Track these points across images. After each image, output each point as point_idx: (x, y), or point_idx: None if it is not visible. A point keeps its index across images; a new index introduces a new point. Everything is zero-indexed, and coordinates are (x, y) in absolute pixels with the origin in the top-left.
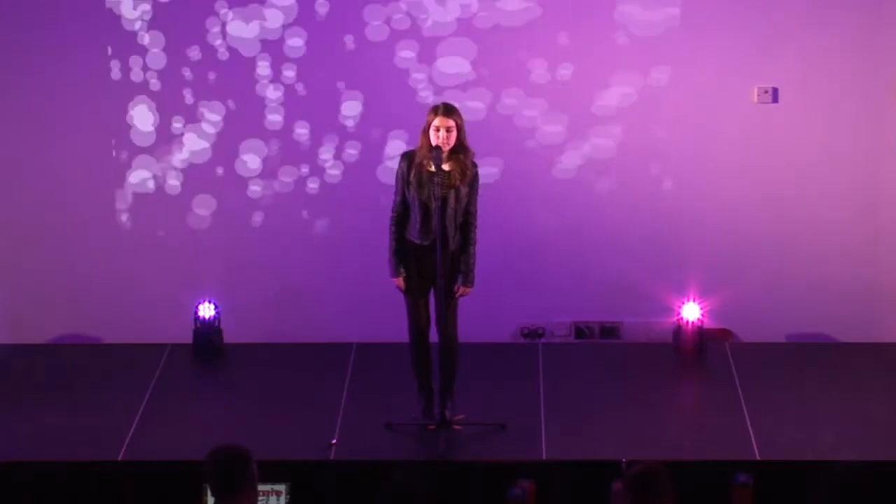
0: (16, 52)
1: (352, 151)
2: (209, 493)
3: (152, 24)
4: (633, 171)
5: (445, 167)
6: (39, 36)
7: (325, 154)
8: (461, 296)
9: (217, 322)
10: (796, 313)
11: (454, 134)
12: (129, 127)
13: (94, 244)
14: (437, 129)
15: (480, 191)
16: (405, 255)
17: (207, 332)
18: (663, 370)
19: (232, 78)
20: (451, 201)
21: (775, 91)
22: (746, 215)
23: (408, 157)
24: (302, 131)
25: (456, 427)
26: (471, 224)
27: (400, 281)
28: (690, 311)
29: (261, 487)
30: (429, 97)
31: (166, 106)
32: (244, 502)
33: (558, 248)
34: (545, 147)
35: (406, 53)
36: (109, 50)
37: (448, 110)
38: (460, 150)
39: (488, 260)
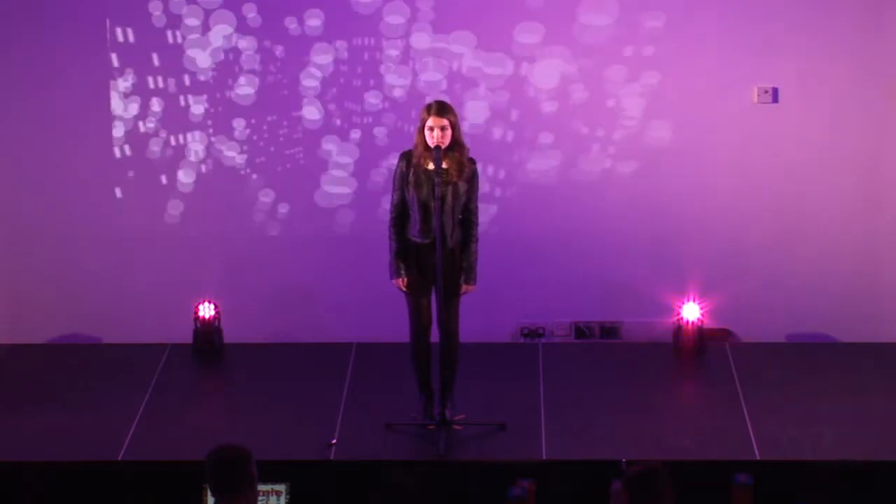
0: (16, 52)
1: (353, 151)
2: (209, 493)
3: (153, 26)
4: (632, 171)
5: (444, 165)
6: (39, 37)
7: (325, 154)
8: (464, 294)
9: (217, 322)
10: (796, 313)
11: (449, 132)
12: (129, 127)
13: (93, 244)
14: (432, 129)
15: (480, 189)
16: (406, 254)
17: (207, 332)
18: (663, 370)
19: (233, 77)
20: (449, 198)
21: (775, 91)
22: (746, 215)
23: (406, 156)
24: (303, 132)
25: (456, 427)
26: (472, 222)
27: (401, 282)
28: (690, 311)
29: (261, 487)
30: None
31: (166, 106)
32: (244, 502)
33: (558, 248)
34: (545, 147)
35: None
36: (110, 49)
37: (441, 109)
38: (455, 146)
39: (488, 260)
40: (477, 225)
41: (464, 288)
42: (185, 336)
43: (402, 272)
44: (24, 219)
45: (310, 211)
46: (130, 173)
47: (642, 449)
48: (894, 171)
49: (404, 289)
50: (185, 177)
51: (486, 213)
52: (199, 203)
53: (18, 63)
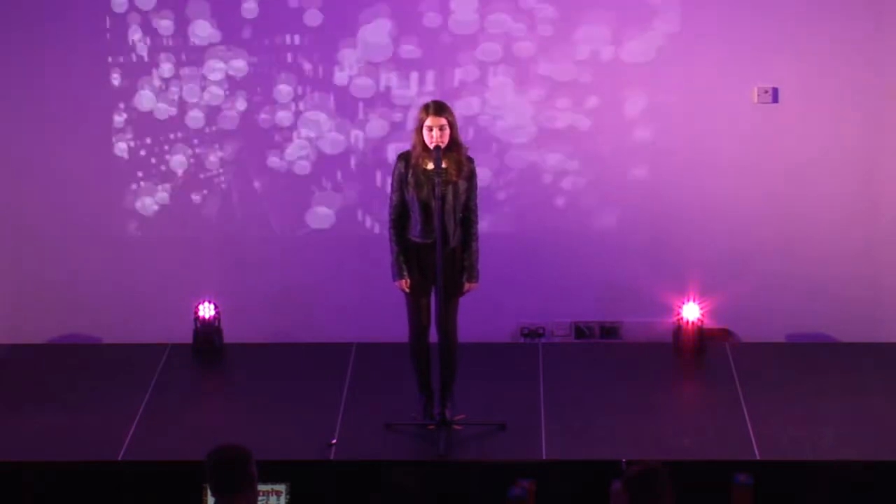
0: (16, 52)
1: (351, 152)
2: (209, 493)
3: (152, 25)
4: (633, 170)
5: (443, 164)
6: (39, 36)
7: (325, 154)
8: (467, 291)
9: (217, 322)
10: (796, 313)
11: (447, 132)
12: (129, 127)
13: (94, 244)
14: (430, 129)
15: (479, 189)
16: (407, 255)
17: (207, 332)
18: (663, 370)
19: (231, 78)
20: (450, 197)
21: (775, 91)
22: (746, 215)
23: (404, 157)
24: (303, 132)
25: (456, 427)
26: (472, 220)
27: (404, 283)
28: (690, 311)
29: (261, 487)
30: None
31: (167, 106)
32: (244, 502)
33: (558, 249)
34: (546, 147)
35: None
36: (110, 48)
37: (439, 108)
38: (453, 146)
39: (488, 260)
40: (477, 223)
41: (467, 286)
42: (185, 336)
43: (405, 274)
44: (25, 219)
45: (310, 211)
46: (130, 173)
47: (642, 449)
48: (894, 172)
49: (407, 290)
50: (184, 177)
51: (486, 213)
52: (200, 203)
53: (18, 63)
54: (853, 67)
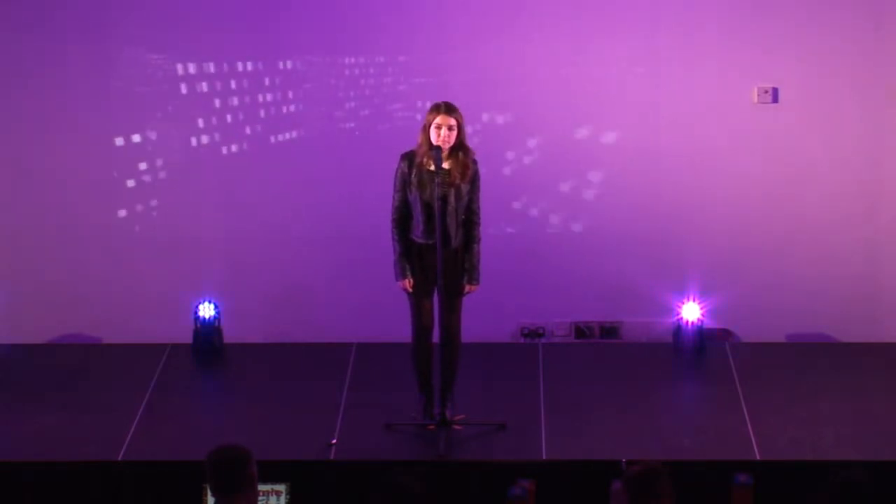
0: (16, 52)
1: (351, 151)
2: (209, 493)
3: (152, 27)
4: (633, 171)
5: (445, 165)
6: (40, 37)
7: (326, 154)
8: (467, 293)
9: (217, 322)
10: (796, 313)
11: (455, 133)
12: (129, 127)
13: (94, 244)
14: (439, 128)
15: (482, 189)
16: (409, 255)
17: (207, 332)
18: (663, 370)
19: (231, 79)
20: (452, 199)
21: (775, 91)
22: (746, 215)
23: (408, 157)
24: (302, 132)
25: (456, 427)
26: (474, 222)
27: (406, 283)
28: (690, 311)
29: (261, 487)
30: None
31: (166, 105)
32: (244, 502)
33: (558, 249)
34: (545, 146)
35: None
36: (112, 48)
37: (449, 109)
38: (460, 148)
39: (489, 260)
40: (479, 225)
41: (467, 288)
42: (185, 336)
43: (409, 273)
44: (25, 219)
45: (310, 211)
46: (131, 173)
47: (642, 449)
48: (894, 172)
49: (410, 290)
50: (185, 177)
51: (486, 214)
52: (200, 203)
53: (20, 63)
54: (853, 67)
